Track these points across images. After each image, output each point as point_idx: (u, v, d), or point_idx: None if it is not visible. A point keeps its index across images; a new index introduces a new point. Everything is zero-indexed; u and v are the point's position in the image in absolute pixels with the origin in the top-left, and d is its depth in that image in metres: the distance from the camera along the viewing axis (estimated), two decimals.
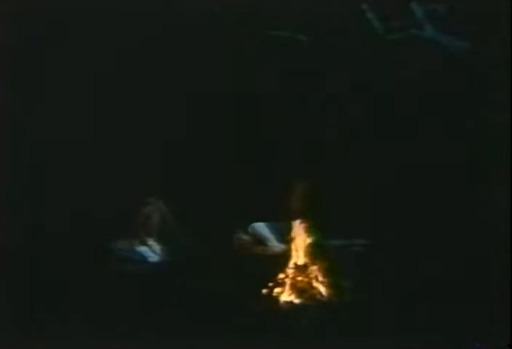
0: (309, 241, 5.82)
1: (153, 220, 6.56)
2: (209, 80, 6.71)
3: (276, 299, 5.71)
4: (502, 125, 6.28)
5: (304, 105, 6.73)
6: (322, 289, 5.72)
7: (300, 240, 5.83)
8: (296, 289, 5.73)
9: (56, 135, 6.54)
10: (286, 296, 5.72)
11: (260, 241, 6.57)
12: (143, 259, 6.40)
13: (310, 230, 5.82)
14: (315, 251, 5.81)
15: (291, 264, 5.83)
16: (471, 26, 6.59)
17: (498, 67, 6.34)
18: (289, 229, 5.91)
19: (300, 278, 5.77)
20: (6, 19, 6.36)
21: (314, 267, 5.78)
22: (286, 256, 5.91)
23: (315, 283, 5.75)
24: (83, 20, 6.64)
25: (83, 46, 6.63)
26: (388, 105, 6.69)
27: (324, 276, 5.75)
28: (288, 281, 5.76)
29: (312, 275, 5.76)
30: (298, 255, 5.82)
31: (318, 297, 5.72)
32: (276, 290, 5.75)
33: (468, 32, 6.65)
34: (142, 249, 6.45)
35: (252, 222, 6.60)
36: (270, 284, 5.77)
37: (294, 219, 5.90)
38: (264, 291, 5.74)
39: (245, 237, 6.58)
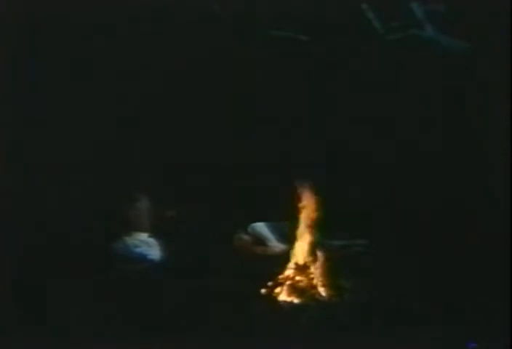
0: (311, 240, 5.82)
1: (144, 216, 6.55)
2: (208, 80, 6.71)
3: (276, 299, 5.71)
4: (503, 125, 6.28)
5: (304, 105, 6.74)
6: (322, 289, 5.73)
7: (302, 240, 5.83)
8: (296, 289, 5.74)
9: (51, 137, 6.55)
10: (286, 296, 5.72)
11: (260, 241, 6.57)
12: (143, 257, 6.39)
13: (313, 230, 5.82)
14: (316, 251, 5.81)
15: (291, 264, 5.83)
16: (471, 26, 6.59)
17: (498, 67, 6.34)
18: (291, 229, 5.91)
19: (299, 278, 5.78)
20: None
21: (314, 267, 5.78)
22: (286, 256, 5.92)
23: (315, 283, 5.75)
24: (81, 20, 6.64)
25: (80, 46, 6.64)
26: (388, 105, 6.69)
27: (324, 276, 5.75)
28: (288, 281, 5.76)
29: (312, 275, 5.77)
30: (299, 255, 5.82)
31: (318, 296, 5.72)
32: (276, 290, 5.75)
33: (467, 32, 6.65)
34: (140, 247, 6.44)
35: (252, 222, 6.60)
36: (270, 284, 5.77)
37: (297, 219, 5.89)
38: (264, 291, 5.74)
39: (245, 237, 6.58)
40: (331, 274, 5.76)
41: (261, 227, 6.61)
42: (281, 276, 5.80)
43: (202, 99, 6.73)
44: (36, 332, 5.28)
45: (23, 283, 5.76)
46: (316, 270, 5.77)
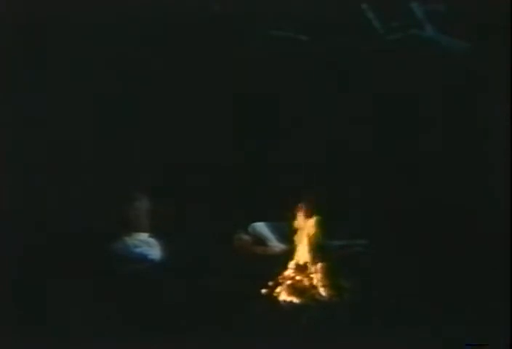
0: (312, 240, 5.82)
1: (143, 216, 6.54)
2: (208, 80, 6.71)
3: (276, 299, 5.71)
4: (503, 125, 6.28)
5: (304, 105, 6.74)
6: (322, 289, 5.72)
7: (303, 239, 5.83)
8: (296, 289, 5.73)
9: (51, 137, 6.55)
10: (286, 296, 5.72)
11: (260, 241, 6.57)
12: (143, 257, 6.39)
13: (314, 230, 5.82)
14: (316, 251, 5.81)
15: (291, 264, 5.83)
16: (471, 26, 6.59)
17: (498, 67, 6.34)
18: (292, 229, 5.90)
19: (300, 278, 5.77)
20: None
21: (314, 267, 5.78)
22: (286, 256, 5.91)
23: (315, 283, 5.75)
24: (81, 20, 6.64)
25: (80, 46, 6.64)
26: (388, 105, 6.69)
27: (324, 276, 5.75)
28: (288, 281, 5.76)
29: (312, 275, 5.77)
30: (300, 255, 5.82)
31: (318, 297, 5.72)
32: (276, 290, 5.75)
33: (467, 32, 6.65)
34: (141, 247, 6.43)
35: (252, 222, 6.60)
36: (270, 284, 5.77)
37: (298, 218, 5.89)
38: (264, 291, 5.74)
39: (245, 237, 6.57)
40: (331, 274, 5.75)
41: (261, 227, 6.60)
42: (281, 276, 5.79)
43: (202, 99, 6.73)
44: (36, 332, 5.28)
45: (23, 283, 5.76)
46: (316, 270, 5.76)
